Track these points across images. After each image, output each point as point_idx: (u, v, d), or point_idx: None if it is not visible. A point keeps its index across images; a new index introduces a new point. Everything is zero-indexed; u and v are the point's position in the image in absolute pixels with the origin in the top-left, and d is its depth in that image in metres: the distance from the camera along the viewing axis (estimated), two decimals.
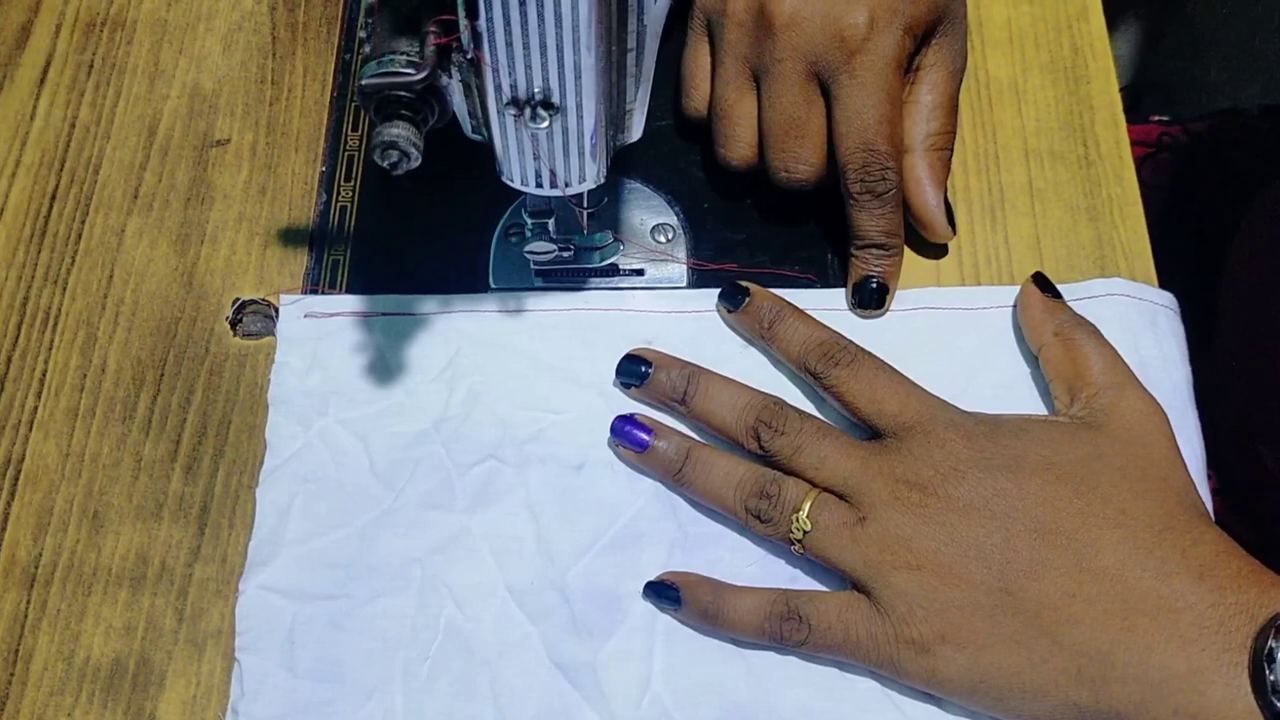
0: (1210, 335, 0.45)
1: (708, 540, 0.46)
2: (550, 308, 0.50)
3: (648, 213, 0.53)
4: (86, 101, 0.56)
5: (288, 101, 0.56)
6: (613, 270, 0.51)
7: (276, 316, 0.50)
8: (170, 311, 0.51)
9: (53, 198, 0.54)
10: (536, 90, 0.38)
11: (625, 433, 0.47)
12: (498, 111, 0.39)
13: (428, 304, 0.50)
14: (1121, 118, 0.54)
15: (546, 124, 0.39)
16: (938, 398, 0.45)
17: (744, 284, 0.49)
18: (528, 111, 0.39)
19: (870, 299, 0.49)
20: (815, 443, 0.44)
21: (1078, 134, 0.54)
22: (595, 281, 0.51)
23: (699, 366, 0.48)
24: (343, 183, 0.54)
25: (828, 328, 0.48)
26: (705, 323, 0.50)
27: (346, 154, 0.54)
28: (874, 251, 0.49)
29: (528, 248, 0.49)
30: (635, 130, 0.44)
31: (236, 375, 0.50)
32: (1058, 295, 0.48)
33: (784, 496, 0.44)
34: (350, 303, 0.50)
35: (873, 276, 0.49)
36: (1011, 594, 0.40)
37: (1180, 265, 0.50)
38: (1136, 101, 0.98)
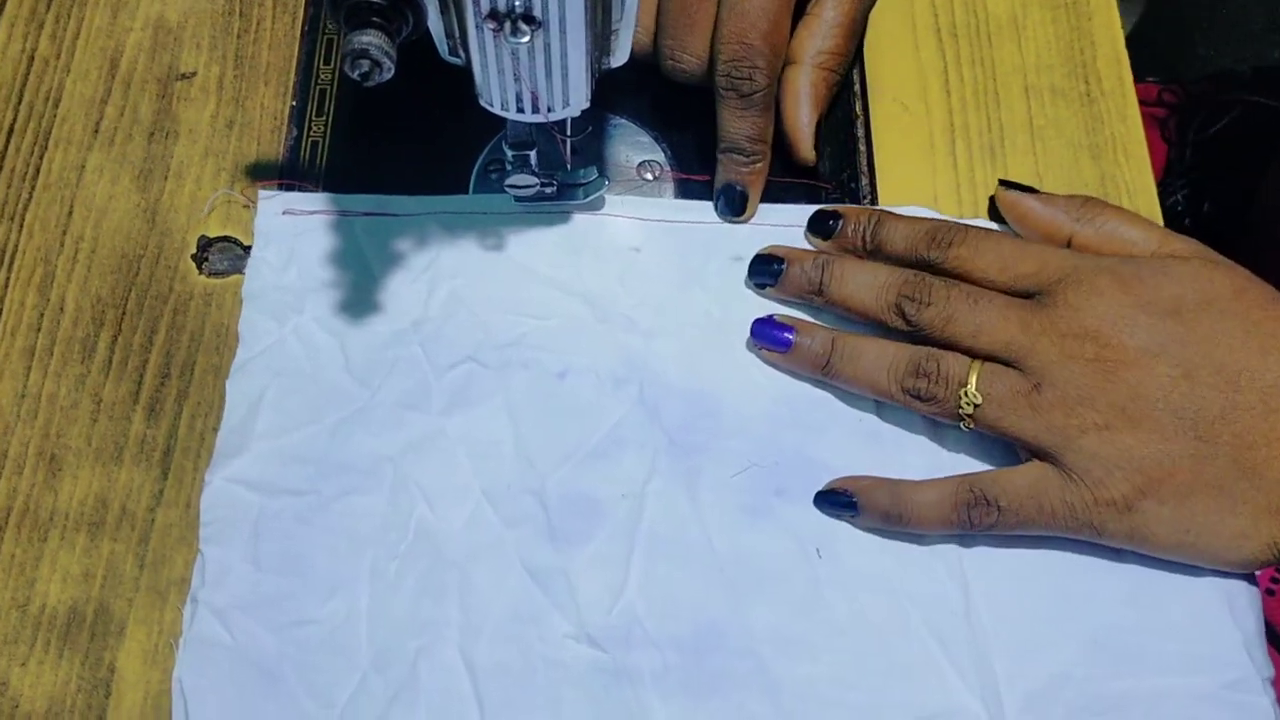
0: None
1: (694, 449, 0.44)
2: (537, 211, 0.48)
3: (634, 149, 0.50)
4: (46, 33, 0.53)
5: (256, 34, 0.53)
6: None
7: (244, 252, 0.48)
8: (132, 249, 0.49)
9: (9, 132, 0.51)
10: (517, 2, 0.36)
11: (766, 334, 0.45)
12: (476, 26, 0.37)
13: (410, 204, 0.48)
14: (1124, 54, 0.52)
15: (527, 39, 0.37)
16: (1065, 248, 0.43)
17: (832, 208, 0.47)
18: (507, 26, 0.37)
19: (730, 206, 0.48)
20: (968, 309, 0.42)
21: (1079, 70, 0.52)
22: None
23: (831, 253, 0.46)
24: (314, 118, 0.51)
25: (923, 219, 0.45)
26: (695, 233, 0.48)
27: (319, 88, 0.52)
28: (735, 157, 0.47)
29: (509, 181, 0.46)
30: (621, 53, 0.42)
31: (202, 315, 0.47)
32: (1029, 189, 0.46)
33: (944, 372, 0.42)
34: (330, 201, 0.48)
35: (735, 183, 0.47)
36: (1207, 441, 0.40)
37: (1178, 222, 0.48)
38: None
